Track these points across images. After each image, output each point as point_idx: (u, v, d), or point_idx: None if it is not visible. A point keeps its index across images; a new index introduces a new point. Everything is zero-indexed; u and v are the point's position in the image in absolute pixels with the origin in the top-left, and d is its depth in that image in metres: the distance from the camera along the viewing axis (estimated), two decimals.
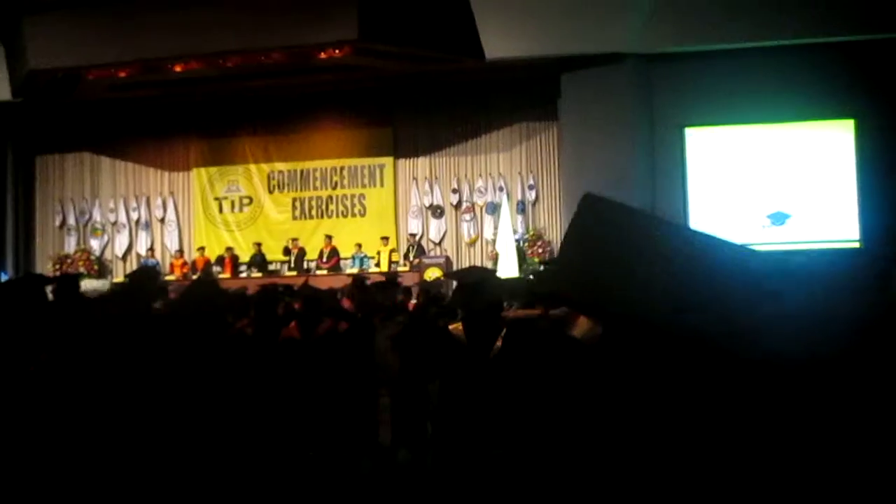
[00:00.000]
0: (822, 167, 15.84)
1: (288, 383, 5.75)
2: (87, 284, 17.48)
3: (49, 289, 4.98)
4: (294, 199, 20.54)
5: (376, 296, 8.44)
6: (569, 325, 4.16)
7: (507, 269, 16.31)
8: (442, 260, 18.00)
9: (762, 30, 14.98)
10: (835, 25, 14.77)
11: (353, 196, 20.24)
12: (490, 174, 19.58)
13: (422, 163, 19.99)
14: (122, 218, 21.02)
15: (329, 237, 19.08)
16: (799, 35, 14.97)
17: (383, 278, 13.60)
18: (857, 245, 15.38)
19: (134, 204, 21.12)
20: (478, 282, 5.03)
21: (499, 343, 4.79)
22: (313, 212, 20.43)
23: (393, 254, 18.95)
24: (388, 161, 20.05)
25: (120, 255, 20.94)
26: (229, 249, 19.58)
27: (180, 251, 20.20)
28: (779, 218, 15.83)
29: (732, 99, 15.62)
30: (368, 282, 10.00)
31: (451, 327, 4.97)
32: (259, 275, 18.23)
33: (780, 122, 15.81)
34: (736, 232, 15.34)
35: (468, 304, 4.99)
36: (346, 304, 9.27)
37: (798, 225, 15.74)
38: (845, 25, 14.74)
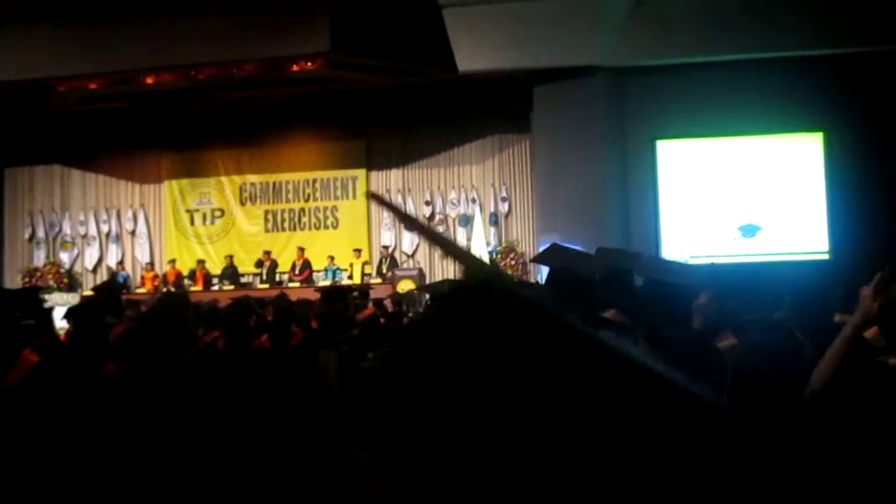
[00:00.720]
0: (791, 179, 15.97)
1: (260, 395, 5.71)
2: (57, 298, 17.34)
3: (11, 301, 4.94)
4: (266, 212, 20.47)
5: (321, 307, 8.24)
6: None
7: None
8: (415, 272, 17.98)
9: (732, 44, 15.10)
10: (804, 39, 14.91)
11: (325, 208, 20.20)
12: (463, 186, 19.60)
13: (395, 175, 19.99)
14: (93, 231, 20.87)
15: (301, 249, 19.02)
16: (769, 49, 15.11)
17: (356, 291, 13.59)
18: (826, 257, 15.51)
19: (104, 216, 20.97)
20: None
21: None
22: (286, 224, 20.38)
23: (366, 266, 18.91)
24: (360, 173, 20.03)
25: (90, 268, 20.77)
26: (201, 262, 19.46)
27: (151, 264, 20.09)
28: (749, 230, 15.94)
29: (703, 112, 15.74)
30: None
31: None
32: (231, 287, 18.12)
33: (751, 134, 15.94)
34: (707, 244, 15.45)
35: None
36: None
37: (768, 237, 15.86)
38: (815, 40, 14.89)
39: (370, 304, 11.73)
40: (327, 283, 17.37)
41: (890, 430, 3.05)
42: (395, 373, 0.94)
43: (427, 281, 17.28)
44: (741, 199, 16.02)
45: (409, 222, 1.04)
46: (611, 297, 4.61)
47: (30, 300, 6.53)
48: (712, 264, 5.23)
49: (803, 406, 3.38)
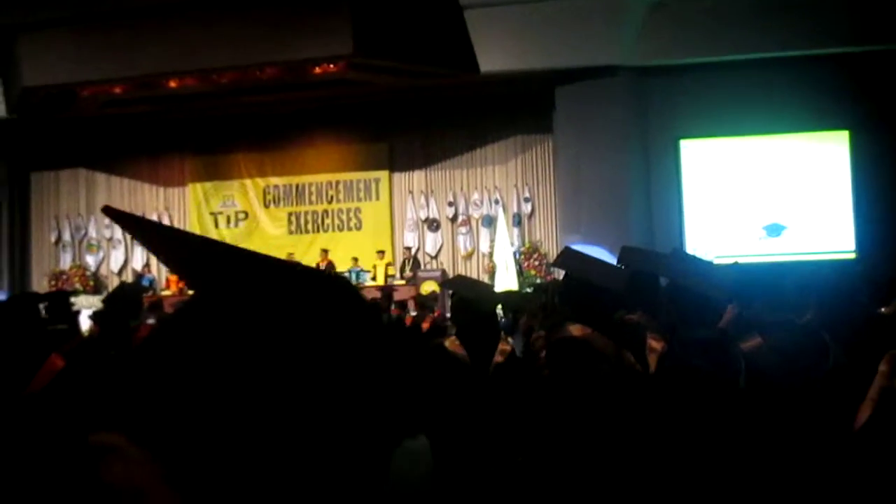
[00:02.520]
0: (817, 178, 15.86)
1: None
2: (84, 301, 17.46)
3: (42, 306, 4.98)
4: (290, 214, 20.54)
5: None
6: (562, 330, 4.16)
7: (505, 282, 16.30)
8: (438, 273, 17.98)
9: (757, 42, 15.02)
10: (829, 37, 14.81)
11: (348, 210, 20.25)
12: (486, 187, 19.59)
13: (417, 176, 20.00)
14: (118, 234, 20.98)
15: (325, 251, 19.07)
16: (793, 47, 15.01)
17: (378, 293, 13.63)
18: (852, 256, 15.39)
19: None
20: (473, 297, 5.03)
21: (499, 358, 4.78)
22: (309, 226, 20.43)
23: (389, 267, 18.93)
24: (383, 175, 20.05)
25: (116, 270, 20.92)
26: None
27: None
28: (774, 230, 15.84)
29: (727, 111, 15.65)
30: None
31: (447, 342, 4.96)
32: None
33: (775, 133, 15.84)
34: (732, 244, 15.37)
35: (464, 317, 4.99)
36: None
37: (793, 236, 15.76)
38: (839, 37, 14.78)
39: (393, 307, 11.80)
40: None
41: None
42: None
43: None
44: (766, 199, 15.93)
45: (137, 230, 1.03)
46: (636, 299, 4.61)
47: (60, 304, 6.58)
48: (736, 264, 5.20)
49: (823, 399, 3.37)
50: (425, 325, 10.74)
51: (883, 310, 4.61)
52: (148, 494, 0.78)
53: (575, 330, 4.06)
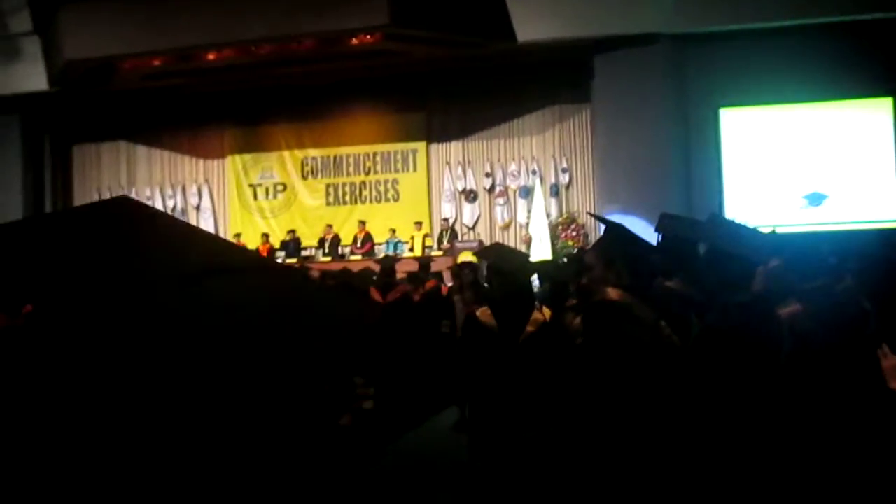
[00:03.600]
0: (858, 146, 15.64)
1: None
2: None
3: None
4: (328, 186, 20.60)
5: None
6: (601, 294, 4.15)
7: (541, 252, 16.28)
8: (475, 244, 17.95)
9: (796, 8, 14.79)
10: (871, 3, 14.55)
11: (386, 181, 20.27)
12: (523, 158, 19.50)
13: (454, 147, 19.96)
14: (159, 205, 21.14)
15: (363, 223, 19.14)
16: (834, 13, 14.77)
17: (417, 263, 13.67)
18: (895, 225, 15.17)
19: (170, 192, 21.30)
20: (508, 267, 5.03)
21: (530, 328, 4.78)
22: (347, 197, 20.48)
23: (426, 238, 18.97)
24: (420, 146, 20.04)
25: None
26: (265, 236, 19.70)
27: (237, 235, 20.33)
28: (816, 199, 15.66)
29: (767, 79, 15.46)
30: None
31: (478, 312, 4.97)
32: (293, 260, 18.30)
33: (816, 101, 15.63)
34: (772, 213, 15.20)
35: (499, 288, 4.99)
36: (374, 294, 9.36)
37: (835, 205, 15.57)
38: (881, 3, 14.51)
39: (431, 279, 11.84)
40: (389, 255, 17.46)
41: None
42: None
43: None
44: (807, 167, 15.74)
45: None
46: (674, 266, 4.59)
47: None
48: (774, 233, 5.15)
49: (864, 366, 3.35)
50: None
51: None
52: None
53: (614, 294, 4.05)
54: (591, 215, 15.91)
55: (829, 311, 3.85)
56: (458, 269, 11.38)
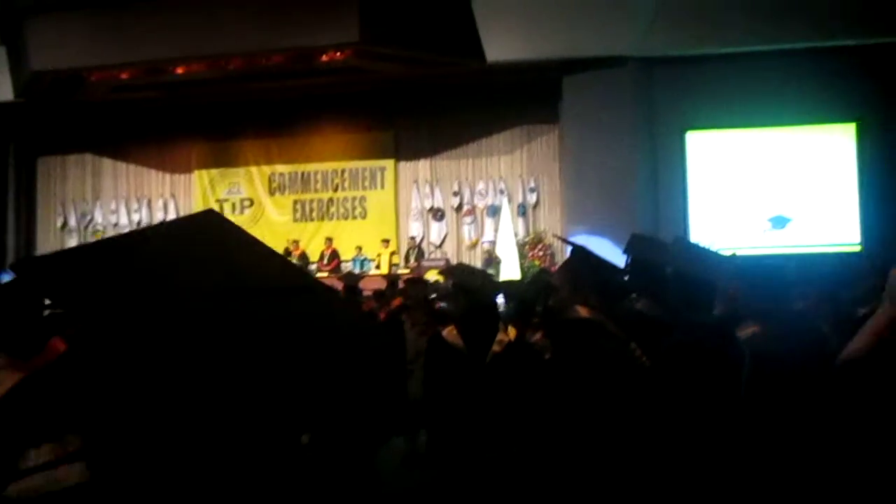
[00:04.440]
0: (823, 171, 15.83)
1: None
2: None
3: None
4: (295, 202, 20.54)
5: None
6: (571, 311, 4.16)
7: (509, 272, 16.31)
8: (442, 262, 17.95)
9: (764, 33, 14.97)
10: (837, 29, 14.77)
11: (354, 198, 20.25)
12: (491, 177, 19.57)
13: (423, 165, 19.99)
14: (124, 220, 21.03)
15: (330, 239, 19.10)
16: (801, 39, 14.96)
17: (384, 281, 13.64)
18: (857, 249, 15.36)
19: (135, 206, 21.14)
20: (473, 286, 5.03)
21: (496, 348, 4.78)
22: (314, 214, 20.44)
23: (393, 256, 18.95)
24: (389, 163, 20.05)
25: None
26: None
27: None
28: (780, 222, 15.82)
29: (734, 102, 15.63)
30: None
31: (444, 332, 4.96)
32: None
33: (782, 125, 15.81)
34: (737, 235, 15.35)
35: (464, 306, 4.99)
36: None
37: (799, 229, 15.73)
38: (847, 29, 14.74)
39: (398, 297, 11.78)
40: (355, 272, 17.42)
41: None
42: None
43: None
44: (771, 191, 15.90)
45: None
46: (643, 287, 4.63)
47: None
48: (734, 255, 5.20)
49: (830, 386, 3.38)
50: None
51: (861, 311, 4.61)
52: None
53: (584, 312, 4.06)
54: (558, 237, 15.96)
55: (786, 333, 3.89)
56: (408, 287, 11.23)
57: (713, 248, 5.13)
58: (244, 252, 1.12)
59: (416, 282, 11.10)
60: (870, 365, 3.01)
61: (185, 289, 1.03)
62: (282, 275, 1.13)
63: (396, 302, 11.13)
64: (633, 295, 4.72)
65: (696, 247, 5.01)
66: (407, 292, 10.77)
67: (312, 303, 1.09)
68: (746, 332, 3.89)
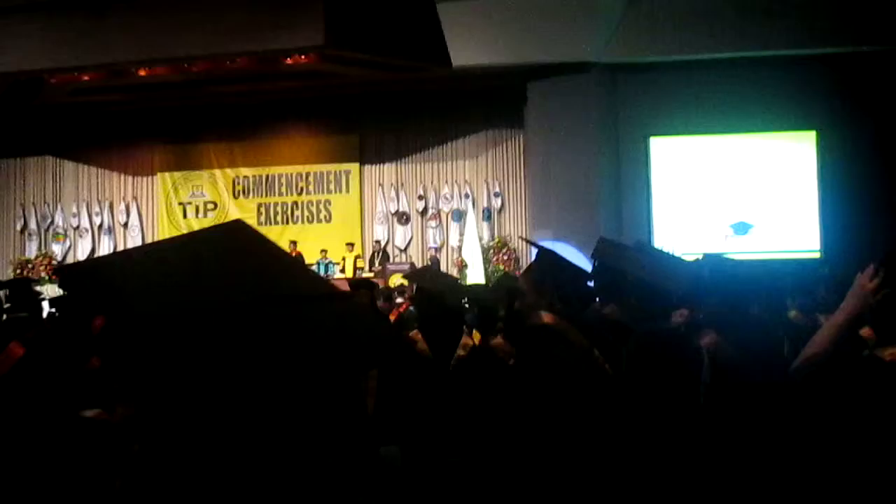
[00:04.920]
0: (784, 178, 15.99)
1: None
2: (49, 290, 17.29)
3: (3, 293, 4.95)
4: (259, 205, 20.45)
5: None
6: (535, 317, 4.16)
7: (474, 276, 16.33)
8: (407, 266, 17.95)
9: (727, 42, 15.11)
10: (799, 39, 14.92)
11: (318, 202, 20.19)
12: (456, 181, 19.59)
13: (388, 169, 19.97)
14: (85, 223, 20.83)
15: (294, 243, 19.00)
16: (763, 48, 15.11)
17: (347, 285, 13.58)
18: (817, 256, 15.53)
19: (97, 209, 20.93)
20: (438, 290, 5.03)
21: (461, 353, 4.78)
22: (278, 217, 20.36)
23: (358, 260, 18.91)
24: (353, 167, 20.01)
25: (83, 259, 20.73)
26: None
27: None
28: (741, 228, 15.96)
29: (697, 109, 15.75)
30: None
31: (410, 335, 4.95)
32: None
33: (744, 132, 15.95)
34: (699, 241, 15.46)
35: (428, 312, 4.98)
36: None
37: (760, 235, 15.88)
38: (809, 39, 14.90)
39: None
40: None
41: (883, 421, 3.06)
42: None
43: None
44: (734, 197, 16.05)
45: None
46: (608, 292, 4.64)
47: (22, 292, 6.52)
48: (697, 259, 5.21)
49: (787, 392, 3.41)
50: (392, 317, 10.74)
51: (792, 314, 4.69)
52: None
53: (548, 318, 4.06)
54: (524, 240, 15.99)
55: (745, 340, 3.92)
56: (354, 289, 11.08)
57: (675, 253, 5.14)
58: (272, 260, 1.15)
59: (362, 283, 10.97)
60: (829, 365, 3.05)
61: (221, 296, 1.06)
62: (310, 282, 1.17)
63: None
64: (597, 300, 4.73)
65: (656, 251, 5.03)
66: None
67: (342, 309, 1.14)
68: (708, 340, 3.91)
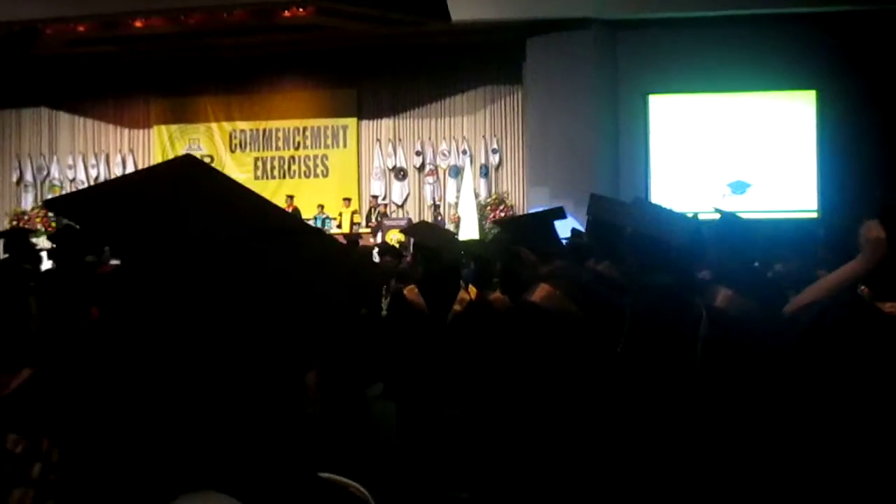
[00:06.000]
0: (783, 137, 15.95)
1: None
2: (45, 242, 17.27)
3: None
4: (256, 159, 20.37)
5: None
6: (529, 292, 4.16)
7: (469, 232, 16.32)
8: (404, 222, 17.93)
9: None
10: None
11: (315, 157, 20.11)
12: (454, 137, 19.50)
13: (385, 124, 19.87)
14: (81, 175, 20.75)
15: (290, 197, 18.94)
16: (763, 6, 15.01)
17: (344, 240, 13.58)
18: (814, 216, 15.53)
19: (93, 161, 20.85)
20: (437, 245, 5.03)
21: (457, 308, 4.79)
22: (275, 172, 20.29)
23: (355, 215, 18.88)
24: (351, 122, 19.91)
25: None
26: None
27: None
28: (739, 187, 15.95)
29: (697, 67, 15.67)
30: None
31: (405, 291, 4.96)
32: None
33: (743, 91, 15.89)
34: (697, 199, 15.45)
35: (426, 266, 4.98)
36: None
37: (758, 194, 15.87)
38: None
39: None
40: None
41: (884, 371, 3.06)
42: None
43: None
44: (732, 156, 16.01)
45: None
46: (603, 249, 4.63)
47: (19, 242, 6.50)
48: (695, 216, 5.20)
49: (789, 342, 3.41)
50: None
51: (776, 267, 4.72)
52: None
53: (541, 293, 4.05)
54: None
55: (754, 296, 3.92)
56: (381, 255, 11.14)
57: (673, 209, 5.12)
58: (235, 195, 1.10)
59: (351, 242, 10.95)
60: (829, 314, 3.05)
61: (204, 230, 1.02)
62: (280, 217, 1.13)
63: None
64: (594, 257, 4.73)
65: (655, 206, 5.02)
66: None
67: (319, 245, 1.09)
68: (723, 295, 3.91)
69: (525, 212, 16.98)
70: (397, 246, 12.98)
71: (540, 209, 4.77)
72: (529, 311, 4.07)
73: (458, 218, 17.58)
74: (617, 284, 4.35)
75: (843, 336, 3.12)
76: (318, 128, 20.05)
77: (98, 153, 20.88)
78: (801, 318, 3.19)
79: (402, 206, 19.64)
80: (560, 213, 4.73)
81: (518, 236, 4.55)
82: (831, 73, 15.37)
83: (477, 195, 18.18)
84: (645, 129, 16.29)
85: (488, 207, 18.48)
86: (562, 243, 4.70)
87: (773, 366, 3.62)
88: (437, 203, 19.21)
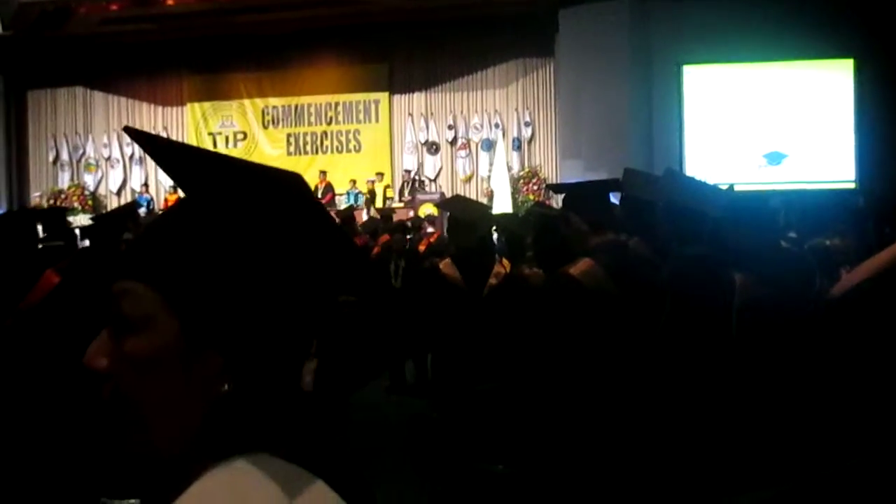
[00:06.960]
0: (819, 107, 15.74)
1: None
2: (82, 220, 17.45)
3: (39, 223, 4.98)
4: (288, 135, 20.44)
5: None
6: (571, 265, 4.15)
7: (502, 206, 16.29)
8: (437, 196, 17.93)
9: None
10: None
11: (348, 132, 20.14)
12: (486, 111, 19.45)
13: (417, 98, 19.85)
14: (116, 153, 20.92)
15: (323, 173, 19.00)
16: None
17: (378, 214, 13.62)
18: (852, 186, 15.34)
19: (127, 139, 20.97)
20: (471, 219, 5.02)
21: (493, 281, 4.79)
22: (308, 147, 20.35)
23: (388, 190, 18.91)
24: (383, 97, 19.90)
25: (114, 190, 20.88)
26: None
27: (174, 187, 20.09)
28: (775, 158, 15.77)
29: (731, 37, 15.47)
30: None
31: (441, 265, 4.96)
32: None
33: (779, 60, 15.67)
34: (732, 171, 15.30)
35: (461, 241, 4.98)
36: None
37: (794, 165, 15.69)
38: None
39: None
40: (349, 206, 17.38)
41: None
42: None
43: None
44: (768, 127, 15.83)
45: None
46: (633, 226, 4.61)
47: (56, 220, 6.58)
48: (730, 188, 5.14)
49: (818, 322, 3.38)
50: (421, 247, 10.76)
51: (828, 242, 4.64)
52: (154, 318, 0.96)
53: (580, 268, 4.04)
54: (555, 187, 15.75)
55: (777, 276, 3.88)
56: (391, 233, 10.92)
57: (706, 181, 5.08)
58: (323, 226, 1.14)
59: (397, 229, 10.89)
60: (869, 297, 3.01)
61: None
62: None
63: (383, 239, 11.06)
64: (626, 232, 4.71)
65: (687, 178, 4.98)
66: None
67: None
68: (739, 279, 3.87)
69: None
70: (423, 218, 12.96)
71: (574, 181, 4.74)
72: (566, 284, 4.06)
73: (491, 191, 17.54)
74: (646, 260, 4.33)
75: (884, 314, 3.09)
76: (350, 103, 20.06)
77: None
78: (848, 297, 3.15)
79: (434, 180, 19.63)
80: (616, 186, 4.73)
81: (571, 203, 4.53)
82: (869, 40, 15.11)
83: (510, 168, 18.13)
84: (679, 101, 16.13)
85: (521, 181, 18.43)
86: (615, 216, 4.69)
87: (804, 343, 3.59)
88: (475, 177, 19.20)
